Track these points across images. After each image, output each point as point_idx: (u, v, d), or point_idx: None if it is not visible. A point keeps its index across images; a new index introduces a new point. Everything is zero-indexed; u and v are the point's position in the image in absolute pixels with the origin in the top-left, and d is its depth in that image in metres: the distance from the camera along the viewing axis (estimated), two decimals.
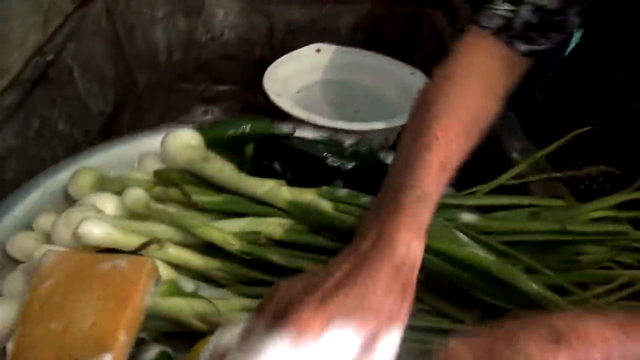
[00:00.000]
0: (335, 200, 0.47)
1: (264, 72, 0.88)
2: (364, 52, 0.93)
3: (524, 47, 0.51)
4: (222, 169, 0.51)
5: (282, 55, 0.90)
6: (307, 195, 0.47)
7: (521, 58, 0.52)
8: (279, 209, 0.48)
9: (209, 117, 0.91)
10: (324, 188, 0.48)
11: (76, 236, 0.45)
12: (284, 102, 0.76)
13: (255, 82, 0.87)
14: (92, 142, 0.69)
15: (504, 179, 0.52)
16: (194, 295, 0.44)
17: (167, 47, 0.97)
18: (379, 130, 0.74)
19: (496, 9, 0.51)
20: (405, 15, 0.98)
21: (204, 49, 0.97)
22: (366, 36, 0.98)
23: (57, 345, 0.38)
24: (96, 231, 0.45)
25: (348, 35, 1.00)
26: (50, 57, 0.69)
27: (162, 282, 0.44)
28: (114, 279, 0.41)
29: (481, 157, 0.48)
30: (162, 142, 0.55)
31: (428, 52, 0.94)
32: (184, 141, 0.54)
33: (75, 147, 0.71)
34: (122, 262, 0.42)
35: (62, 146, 0.69)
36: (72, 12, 0.82)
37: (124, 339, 0.39)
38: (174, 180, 0.51)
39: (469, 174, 0.47)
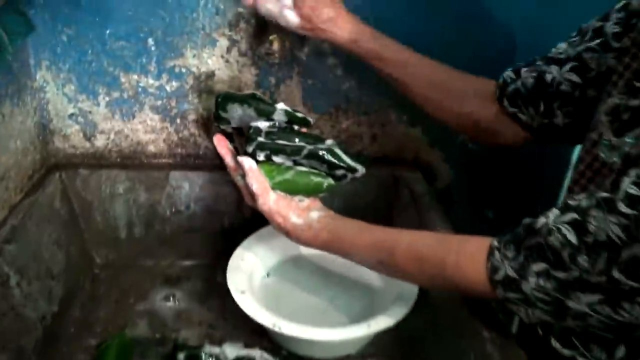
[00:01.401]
0: None
1: (233, 244, 0.82)
2: None
3: (506, 104, 0.70)
4: None
5: (253, 223, 0.83)
6: None
7: (508, 120, 0.71)
8: None
9: (170, 303, 0.82)
10: None
11: None
12: (248, 304, 0.68)
13: (225, 255, 0.80)
14: None
15: None
16: None
17: (128, 223, 0.90)
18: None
19: (504, 72, 0.71)
20: (383, 178, 0.93)
21: (168, 223, 0.90)
22: (343, 202, 0.92)
23: None
24: None
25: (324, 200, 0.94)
26: None
27: None
28: None
29: None
30: None
31: (407, 219, 0.87)
32: None
33: None
34: None
35: None
36: (19, 202, 0.76)
37: None
38: None
39: None
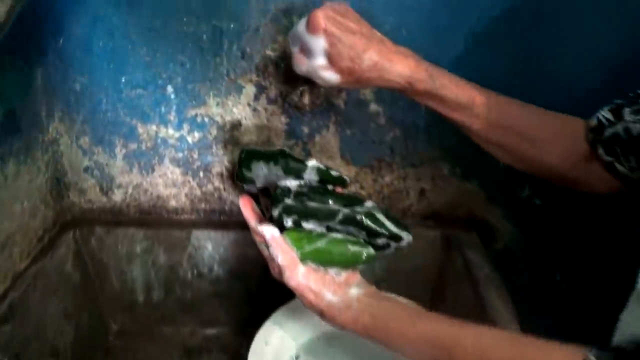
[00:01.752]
0: None
1: (260, 311, 0.72)
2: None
3: (601, 152, 0.56)
4: None
5: (282, 289, 0.73)
6: None
7: (601, 170, 0.57)
8: None
9: None
10: None
11: None
12: None
13: (251, 323, 0.70)
14: None
15: None
16: None
17: (146, 286, 0.81)
18: None
19: (599, 112, 0.57)
20: (432, 239, 0.80)
21: (189, 287, 0.81)
22: (385, 267, 0.80)
23: None
24: None
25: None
26: None
27: None
28: None
29: None
30: None
31: (459, 290, 0.74)
32: None
33: None
34: None
35: None
36: (24, 270, 0.69)
37: None
38: None
39: None
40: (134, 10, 0.69)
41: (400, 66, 0.59)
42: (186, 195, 0.81)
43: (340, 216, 0.60)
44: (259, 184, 0.67)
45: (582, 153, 0.58)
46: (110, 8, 0.69)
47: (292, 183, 0.62)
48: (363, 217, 0.60)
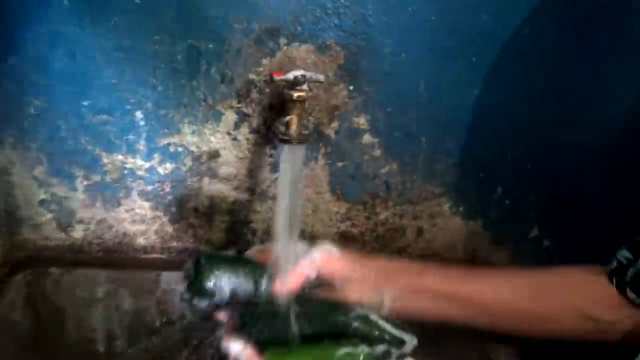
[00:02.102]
0: None
1: None
2: None
3: (632, 295, 0.51)
4: None
5: None
6: None
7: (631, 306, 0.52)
8: None
9: None
10: None
11: None
12: None
13: None
14: None
15: None
16: None
17: (108, 335, 0.72)
18: None
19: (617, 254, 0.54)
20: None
21: (158, 337, 0.72)
22: None
23: None
24: None
25: None
26: None
27: None
28: None
29: None
30: None
31: (462, 345, 0.66)
32: None
33: None
34: None
35: None
36: None
37: None
38: None
39: None
40: (99, 28, 0.60)
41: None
42: (156, 232, 0.72)
43: (325, 327, 0.52)
44: (219, 298, 0.54)
45: (611, 299, 0.53)
46: (70, 25, 0.60)
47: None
48: (356, 322, 0.51)
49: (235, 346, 0.50)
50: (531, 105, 0.64)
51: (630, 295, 0.51)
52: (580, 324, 0.53)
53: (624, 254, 0.53)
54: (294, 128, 0.56)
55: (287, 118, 0.55)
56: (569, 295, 0.54)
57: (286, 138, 0.55)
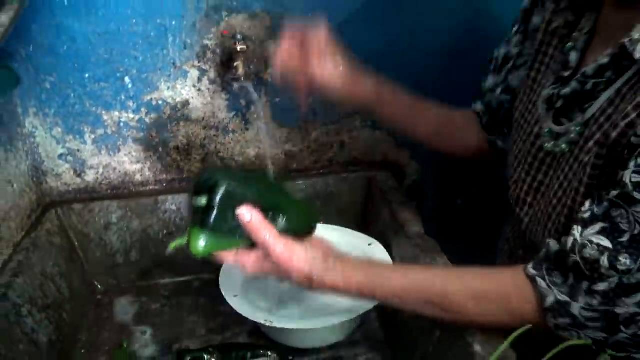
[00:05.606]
0: None
1: None
2: (321, 225, 0.93)
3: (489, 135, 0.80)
4: None
5: None
6: None
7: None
8: None
9: (168, 316, 0.88)
10: None
11: None
12: (242, 306, 0.75)
13: (219, 271, 0.86)
14: None
15: None
16: None
17: (124, 249, 0.96)
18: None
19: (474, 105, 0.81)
20: (355, 180, 1.00)
21: (162, 245, 0.97)
22: (320, 204, 0.99)
23: None
24: None
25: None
26: None
27: None
28: None
29: None
30: None
31: (381, 216, 0.94)
32: None
33: None
34: None
35: None
36: (21, 240, 0.82)
37: None
38: None
39: None
40: (91, 18, 0.84)
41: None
42: (149, 169, 0.97)
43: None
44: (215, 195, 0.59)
45: (482, 135, 0.81)
46: (70, 18, 0.84)
47: None
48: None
49: (246, 212, 0.60)
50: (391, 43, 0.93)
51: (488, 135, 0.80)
52: None
53: (478, 107, 0.80)
54: (240, 71, 0.82)
55: (235, 64, 0.81)
56: None
57: (236, 78, 0.81)
